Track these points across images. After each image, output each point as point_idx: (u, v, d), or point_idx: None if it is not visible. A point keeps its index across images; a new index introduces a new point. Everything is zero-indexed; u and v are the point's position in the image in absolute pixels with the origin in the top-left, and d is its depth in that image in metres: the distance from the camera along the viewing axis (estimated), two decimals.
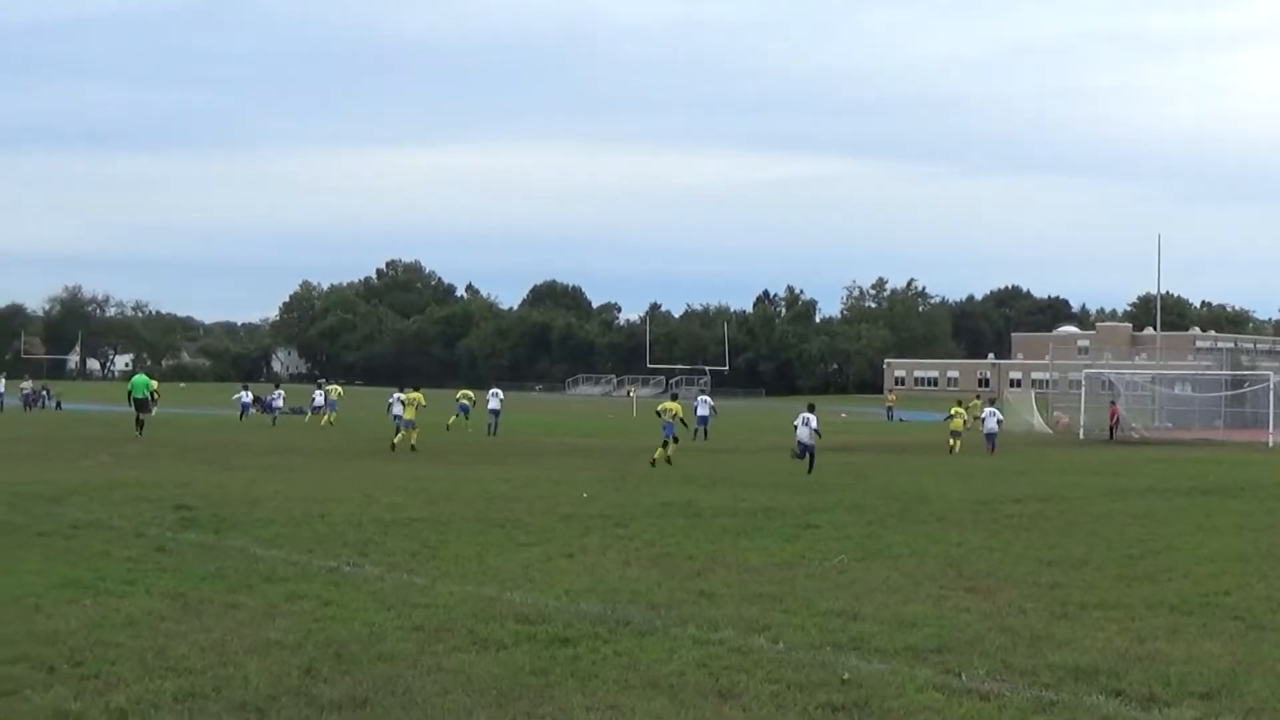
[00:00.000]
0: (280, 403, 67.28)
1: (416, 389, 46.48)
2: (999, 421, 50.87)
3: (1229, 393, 71.56)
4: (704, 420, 56.20)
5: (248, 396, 72.03)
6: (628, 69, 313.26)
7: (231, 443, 46.10)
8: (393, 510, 23.21)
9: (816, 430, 36.63)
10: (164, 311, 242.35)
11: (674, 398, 41.71)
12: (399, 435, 44.77)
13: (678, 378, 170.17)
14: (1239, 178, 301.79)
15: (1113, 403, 65.72)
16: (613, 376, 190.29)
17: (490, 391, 54.67)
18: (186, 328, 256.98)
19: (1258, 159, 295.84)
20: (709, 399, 59.67)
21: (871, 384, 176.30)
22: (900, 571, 17.02)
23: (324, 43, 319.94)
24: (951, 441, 48.15)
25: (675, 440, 38.92)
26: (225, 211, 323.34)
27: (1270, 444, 57.79)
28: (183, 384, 70.45)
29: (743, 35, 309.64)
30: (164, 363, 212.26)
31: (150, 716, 9.56)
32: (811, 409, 37.94)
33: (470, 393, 62.73)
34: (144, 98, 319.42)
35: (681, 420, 40.44)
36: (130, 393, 50.42)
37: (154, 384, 53.22)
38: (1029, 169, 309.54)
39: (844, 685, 10.72)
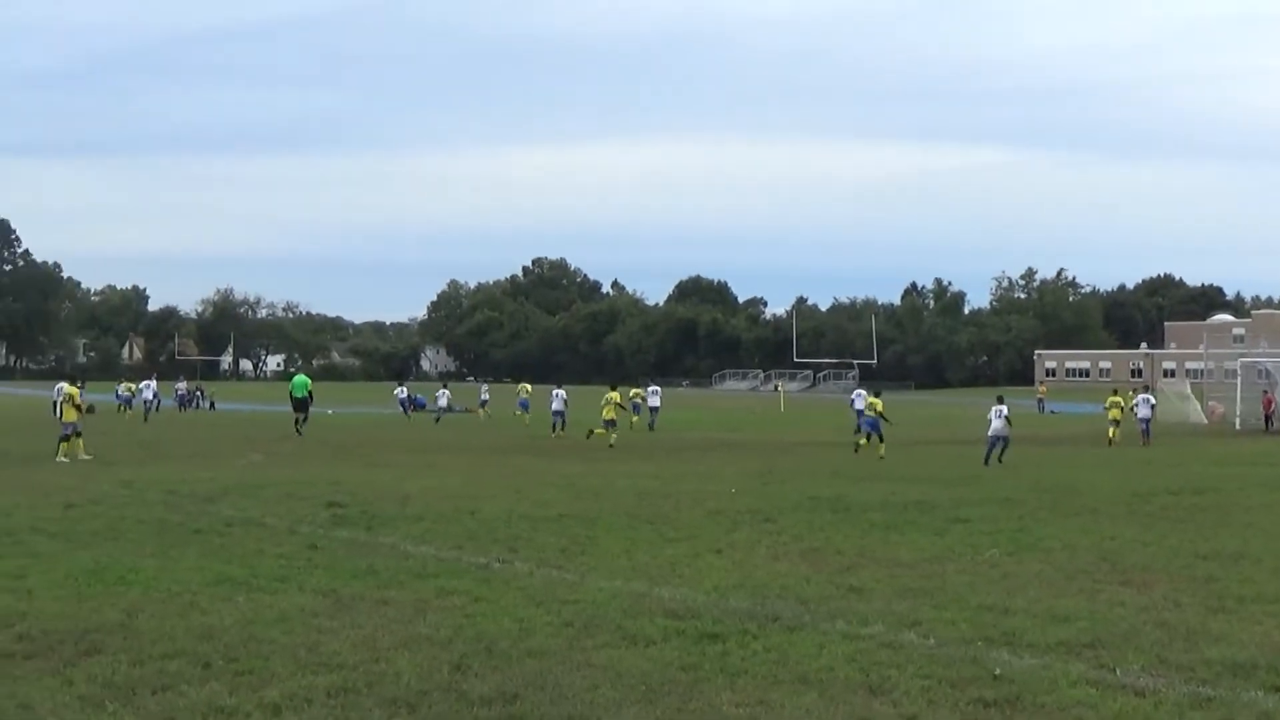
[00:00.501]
0: (445, 401, 67.58)
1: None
2: (1152, 407, 49.99)
3: None
4: (861, 413, 56.47)
5: (403, 393, 73.43)
6: (774, 62, 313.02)
7: (381, 440, 46.66)
8: (542, 506, 23.36)
9: (1009, 420, 37.53)
10: (314, 312, 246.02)
11: (877, 394, 43.42)
12: (556, 431, 48.65)
13: (824, 371, 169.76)
14: None
15: (1266, 392, 64.38)
16: (759, 371, 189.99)
17: (553, 392, 54.48)
18: (336, 328, 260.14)
19: None
20: (865, 393, 59.69)
21: (1021, 376, 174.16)
22: (1052, 565, 16.82)
23: (471, 41, 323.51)
24: (1111, 431, 47.62)
25: (880, 437, 40.16)
26: (374, 212, 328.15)
27: None
28: (330, 410, 71.23)
29: (887, 25, 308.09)
30: (314, 362, 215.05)
31: (303, 712, 9.70)
32: (1001, 400, 39.26)
33: (529, 386, 67.37)
34: (293, 100, 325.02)
35: (884, 416, 41.34)
36: (291, 393, 51.53)
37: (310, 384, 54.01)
38: (1180, 154, 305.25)
39: (996, 681, 10.61)
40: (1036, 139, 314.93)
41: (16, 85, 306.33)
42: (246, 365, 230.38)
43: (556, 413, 52.56)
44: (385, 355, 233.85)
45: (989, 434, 37.41)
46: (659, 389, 62.35)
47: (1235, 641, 12.12)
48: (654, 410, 59.22)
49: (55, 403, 34.26)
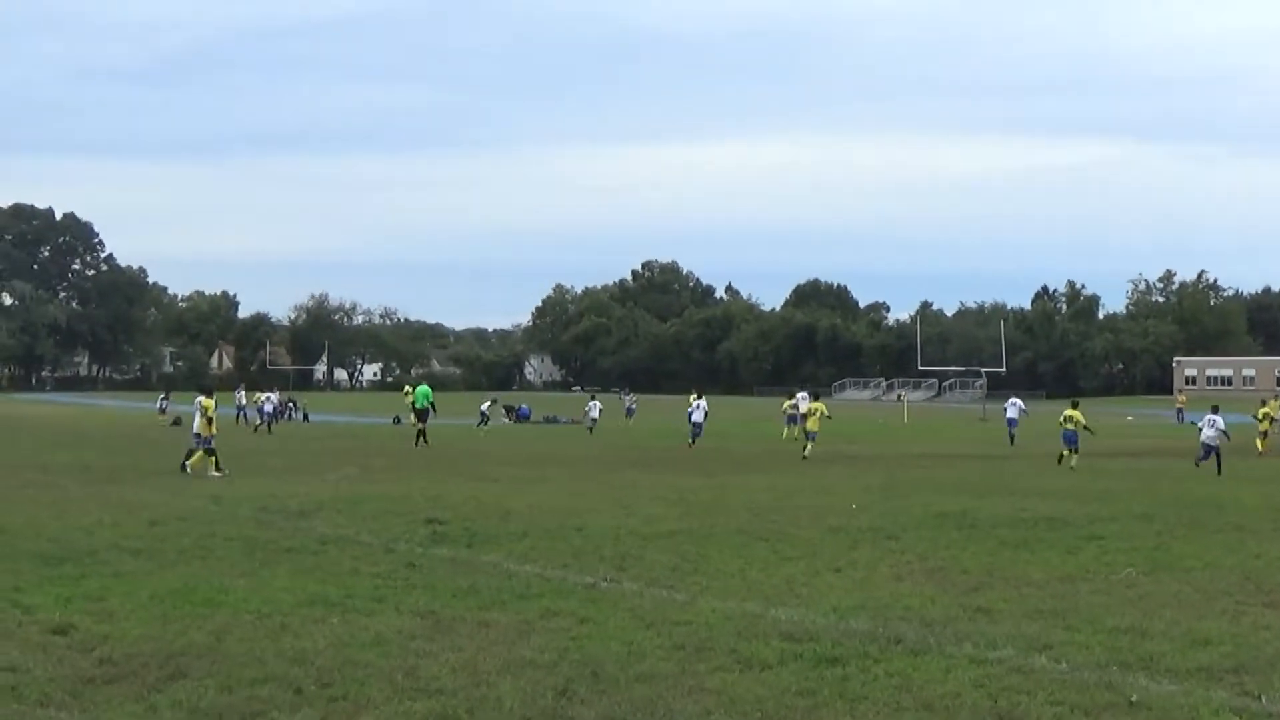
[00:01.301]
0: (596, 414, 67.62)
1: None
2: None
3: None
4: (1013, 423, 58.11)
5: (486, 405, 75.01)
6: (888, 55, 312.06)
7: (483, 453, 46.89)
8: (651, 522, 23.39)
9: (1224, 431, 38.72)
10: (412, 319, 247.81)
11: (1075, 405, 43.74)
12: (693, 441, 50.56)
13: (950, 380, 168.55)
14: None
15: None
16: (881, 380, 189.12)
17: (695, 403, 55.48)
18: (436, 335, 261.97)
19: None
20: (1019, 402, 60.20)
21: (1160, 384, 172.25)
22: (1192, 585, 16.64)
23: (578, 37, 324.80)
24: (1259, 443, 47.00)
25: (1076, 450, 41.12)
26: (475, 214, 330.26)
27: None
28: (397, 419, 72.21)
29: (1012, 16, 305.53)
30: (413, 371, 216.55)
31: None
32: (1216, 410, 40.35)
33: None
34: (391, 97, 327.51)
35: (1086, 427, 42.25)
36: (414, 403, 53.25)
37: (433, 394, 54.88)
38: None
39: (1132, 707, 10.52)
40: (1176, 131, 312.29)
41: (102, 81, 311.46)
42: (341, 375, 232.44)
43: (696, 424, 53.20)
44: (487, 364, 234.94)
45: (1201, 440, 39.50)
46: (599, 403, 68.88)
47: None
48: (593, 421, 65.01)
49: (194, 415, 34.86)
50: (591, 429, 64.74)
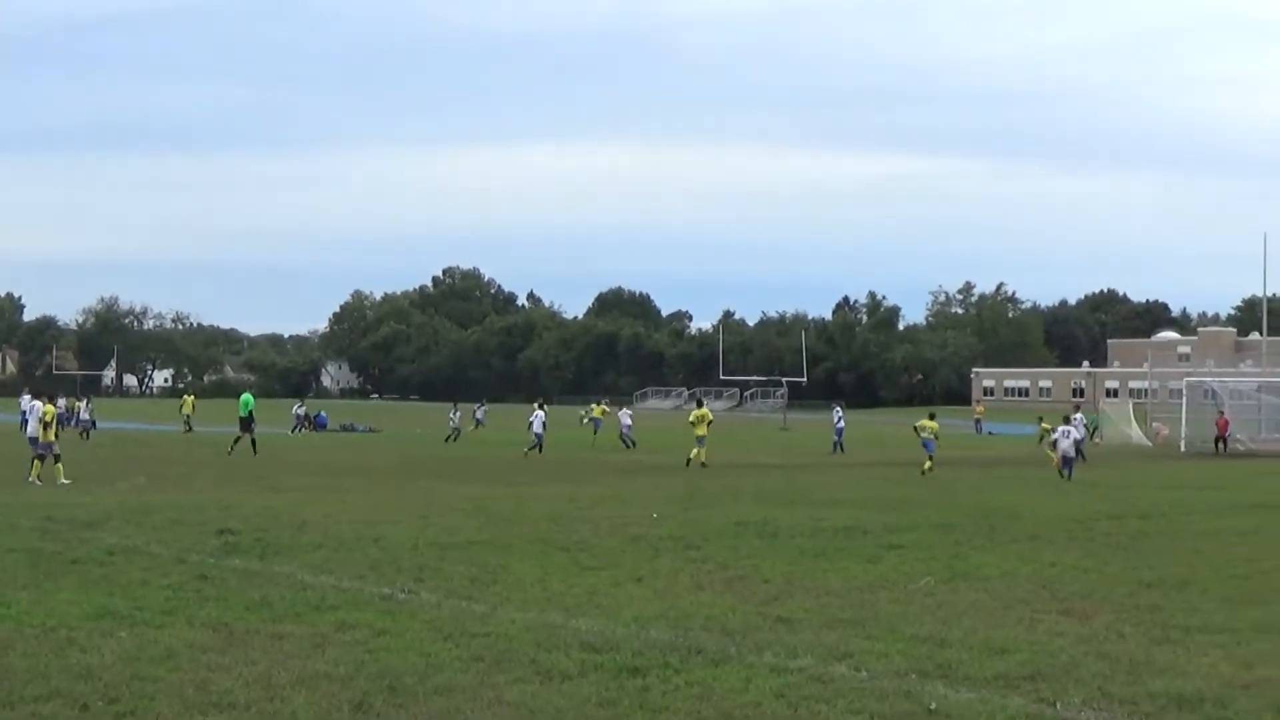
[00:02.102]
0: (456, 421, 67.85)
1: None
2: (1078, 439, 47.30)
3: None
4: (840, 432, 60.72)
5: (302, 410, 74.32)
6: (700, 64, 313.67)
7: (278, 462, 46.34)
8: (450, 533, 23.26)
9: (1079, 441, 40.75)
10: (206, 324, 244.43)
11: (932, 416, 46.05)
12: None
13: (751, 389, 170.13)
14: None
15: (1222, 413, 65.16)
16: (684, 389, 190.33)
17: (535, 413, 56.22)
18: (230, 340, 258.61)
19: None
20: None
21: (958, 394, 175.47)
22: (990, 594, 16.94)
23: (382, 37, 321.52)
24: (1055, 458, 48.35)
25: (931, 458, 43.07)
26: (273, 216, 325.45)
27: None
28: (188, 428, 71.29)
29: (822, 26, 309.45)
30: (206, 378, 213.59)
31: None
32: (1068, 420, 42.86)
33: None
34: (189, 95, 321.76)
35: (937, 435, 44.40)
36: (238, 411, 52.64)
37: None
38: (1124, 165, 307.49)
39: (931, 715, 10.68)
40: (975, 148, 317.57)
41: None
42: (131, 380, 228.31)
43: (537, 434, 53.39)
44: (283, 370, 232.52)
45: (1060, 451, 41.16)
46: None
47: (1180, 673, 12.23)
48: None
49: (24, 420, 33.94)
50: (451, 438, 64.44)
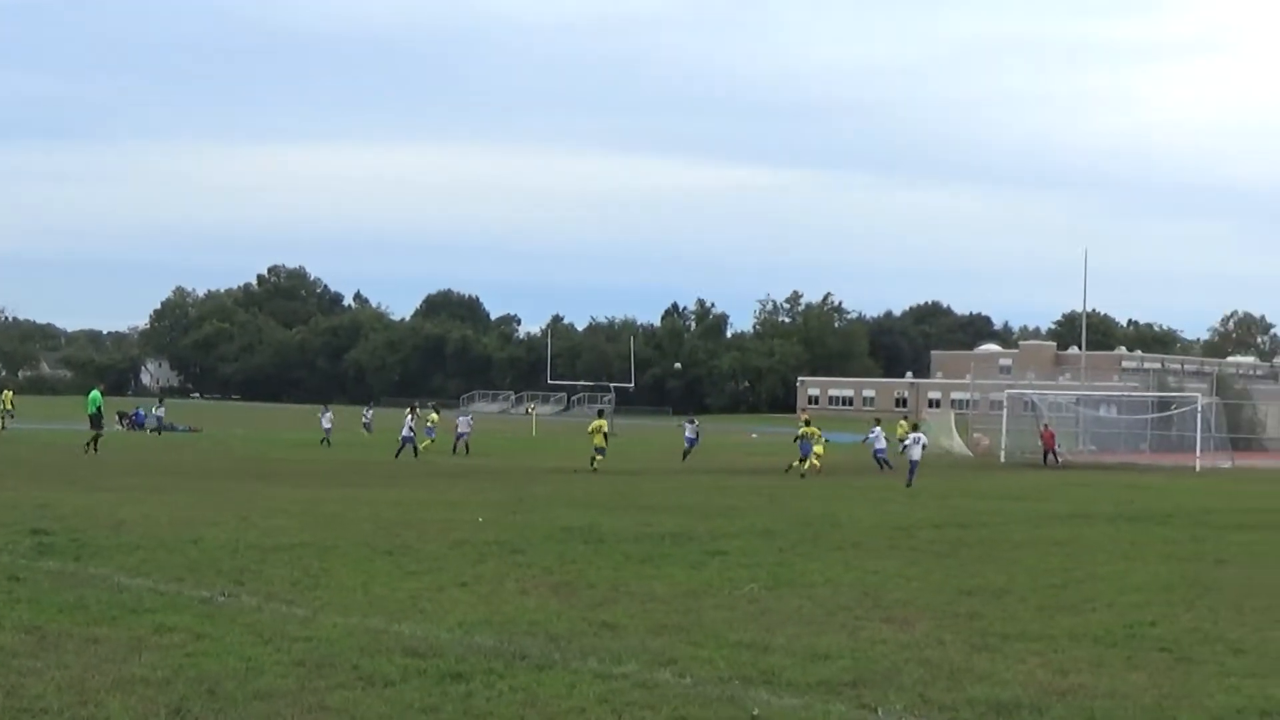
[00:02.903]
0: (328, 423, 66.15)
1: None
2: (923, 446, 47.11)
3: (1155, 415, 72.61)
4: (691, 442, 60.51)
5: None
6: (532, 68, 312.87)
7: (95, 461, 45.52)
8: (272, 535, 23.00)
9: (925, 446, 43.33)
10: (21, 318, 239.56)
11: (808, 423, 49.02)
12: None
13: (579, 394, 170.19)
14: (1169, 193, 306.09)
15: (1046, 426, 66.30)
16: (511, 393, 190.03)
17: (410, 416, 56.33)
18: (46, 336, 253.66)
19: (1188, 175, 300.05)
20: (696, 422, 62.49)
21: (784, 402, 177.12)
22: (813, 601, 17.06)
23: (204, 30, 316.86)
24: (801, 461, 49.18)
25: (804, 460, 46.09)
26: (93, 210, 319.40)
27: (1197, 468, 58.61)
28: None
29: (656, 35, 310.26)
30: (20, 374, 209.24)
31: None
32: (916, 427, 45.31)
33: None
34: (2, 85, 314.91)
35: (820, 437, 47.48)
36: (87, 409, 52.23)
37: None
38: (951, 180, 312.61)
39: None
40: (805, 158, 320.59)
41: None
42: None
43: (406, 439, 53.30)
44: (101, 367, 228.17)
45: (910, 460, 43.04)
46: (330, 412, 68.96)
47: (999, 680, 12.42)
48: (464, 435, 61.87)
49: None
50: (325, 441, 63.64)
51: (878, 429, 54.40)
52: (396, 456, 52.49)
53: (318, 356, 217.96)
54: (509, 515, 28.09)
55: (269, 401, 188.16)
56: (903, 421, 60.92)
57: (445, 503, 31.09)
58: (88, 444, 49.38)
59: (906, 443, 45.11)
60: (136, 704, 10.80)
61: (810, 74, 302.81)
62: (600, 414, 54.29)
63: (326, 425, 65.72)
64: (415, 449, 53.76)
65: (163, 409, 75.99)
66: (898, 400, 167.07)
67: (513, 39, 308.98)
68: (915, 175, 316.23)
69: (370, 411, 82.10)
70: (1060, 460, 63.20)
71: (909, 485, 40.85)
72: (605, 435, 49.39)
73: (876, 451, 52.67)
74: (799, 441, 46.28)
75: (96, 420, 50.80)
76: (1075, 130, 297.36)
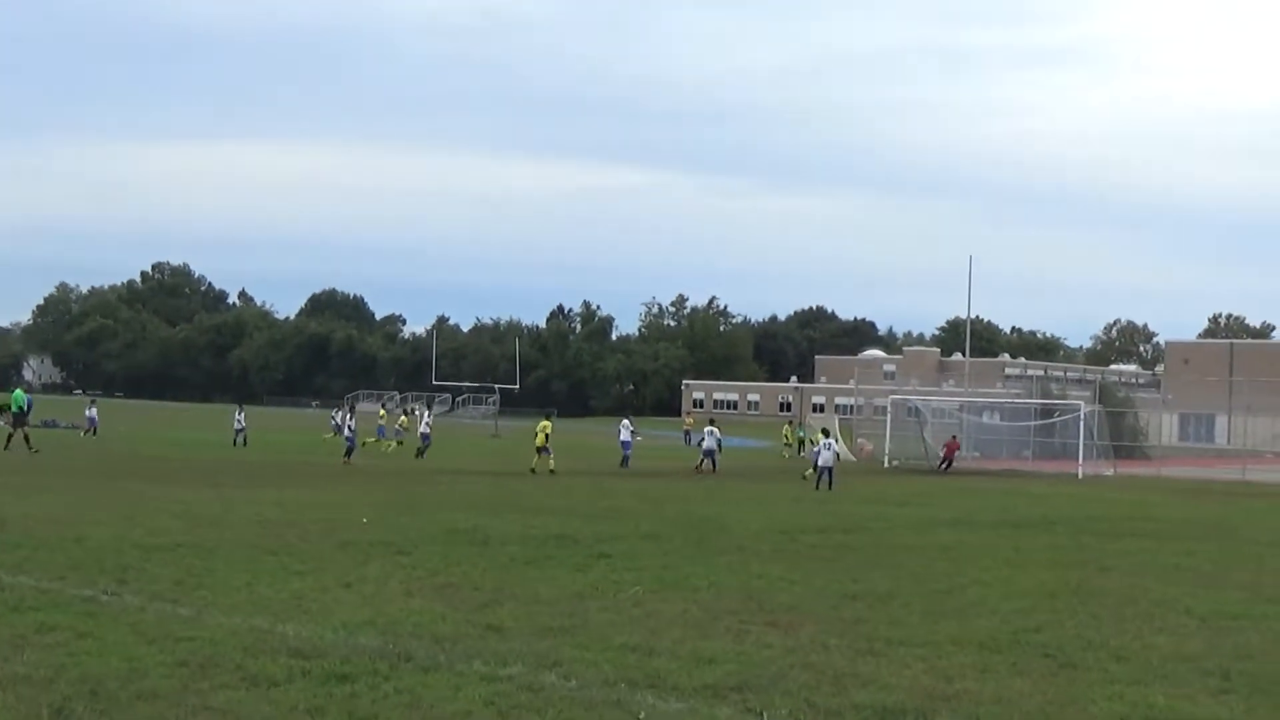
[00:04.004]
0: (241, 423, 64.81)
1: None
2: (836, 454, 47.80)
3: (1038, 422, 73.33)
4: (627, 445, 58.24)
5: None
6: (420, 68, 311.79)
7: None
8: (156, 534, 22.79)
9: (838, 453, 44.35)
10: None
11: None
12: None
13: (464, 395, 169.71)
14: (1052, 201, 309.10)
15: (955, 436, 66.59)
16: (395, 393, 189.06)
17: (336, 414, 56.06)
18: None
19: (1070, 183, 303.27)
20: (629, 424, 61.00)
21: (669, 405, 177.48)
22: (698, 604, 17.10)
23: (89, 23, 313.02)
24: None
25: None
26: None
27: (1080, 476, 59.22)
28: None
29: (542, 37, 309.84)
30: None
31: None
32: (827, 434, 45.78)
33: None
34: None
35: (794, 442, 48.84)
36: (9, 406, 51.93)
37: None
38: (836, 186, 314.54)
39: None
40: (693, 162, 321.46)
41: None
42: None
43: (348, 437, 52.29)
44: None
45: (820, 464, 43.82)
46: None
47: (884, 685, 12.51)
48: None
49: None
50: (239, 441, 62.60)
51: (829, 440, 53.24)
52: (348, 457, 51.22)
53: (202, 354, 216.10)
54: (394, 516, 27.97)
55: (153, 399, 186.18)
56: (788, 426, 61.42)
57: (330, 503, 30.91)
58: (19, 438, 49.12)
59: (818, 448, 45.80)
60: (18, 703, 10.69)
61: (696, 78, 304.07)
62: (547, 416, 53.21)
63: (239, 425, 64.57)
64: (351, 449, 52.53)
65: (94, 409, 72.91)
66: (782, 404, 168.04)
67: (399, 38, 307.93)
68: (800, 180, 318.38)
69: (341, 413, 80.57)
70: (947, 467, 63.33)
71: (818, 488, 41.61)
72: (547, 435, 49.15)
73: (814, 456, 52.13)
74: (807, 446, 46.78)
75: (20, 419, 50.49)
76: (960, 138, 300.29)
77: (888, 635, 15.19)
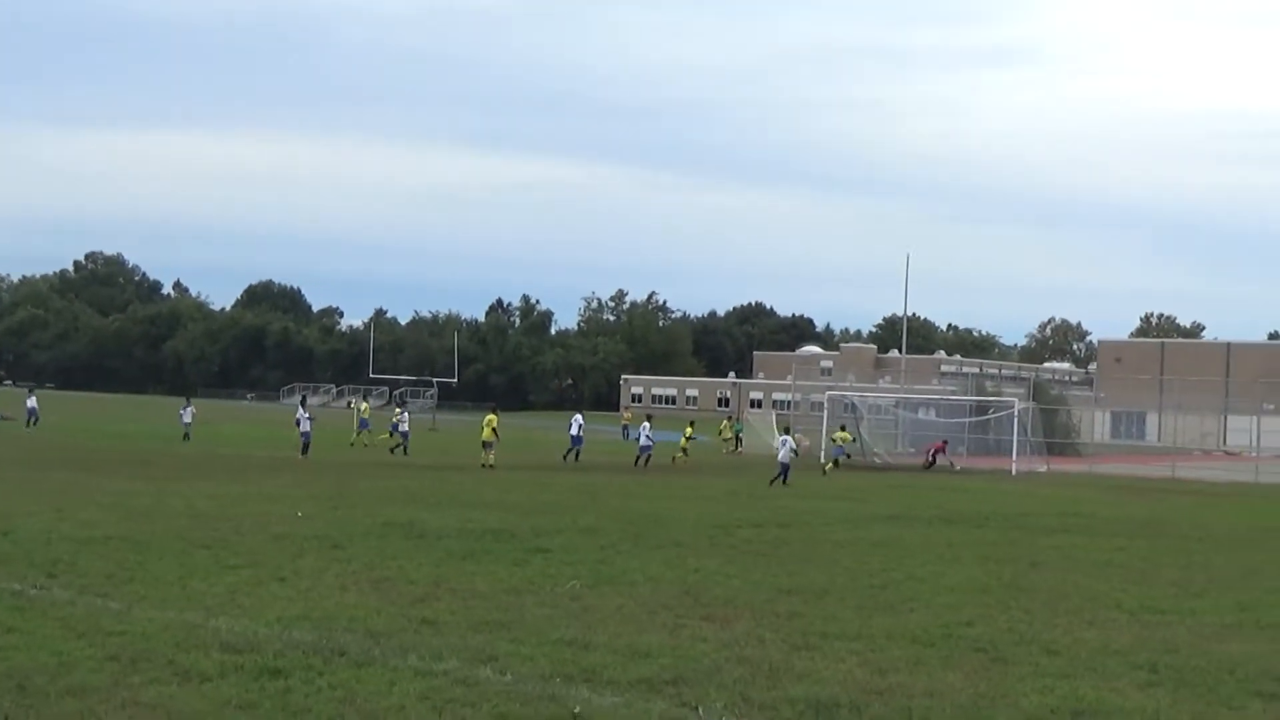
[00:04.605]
0: (189, 418, 63.47)
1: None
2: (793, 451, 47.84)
3: (973, 419, 73.70)
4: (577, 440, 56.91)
5: None
6: (360, 58, 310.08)
7: None
8: (86, 527, 22.65)
9: (795, 450, 45.25)
10: None
11: (692, 424, 52.25)
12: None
13: (402, 389, 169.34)
14: (987, 200, 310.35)
15: (945, 440, 66.70)
16: (332, 386, 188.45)
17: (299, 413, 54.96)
18: None
19: (1006, 183, 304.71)
20: (581, 419, 59.80)
21: (607, 400, 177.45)
22: (634, 599, 17.13)
23: (20, 7, 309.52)
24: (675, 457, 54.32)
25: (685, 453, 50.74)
26: None
27: (1014, 472, 59.58)
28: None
29: (486, 28, 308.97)
30: None
31: None
32: (788, 430, 47.99)
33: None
34: None
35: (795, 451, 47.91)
36: None
37: None
38: (775, 182, 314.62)
39: (575, 719, 10.74)
40: (632, 157, 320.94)
41: None
42: None
43: (305, 434, 51.21)
44: None
45: (779, 460, 44.48)
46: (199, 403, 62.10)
47: (818, 679, 12.55)
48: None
49: None
50: (186, 436, 61.75)
51: (785, 438, 52.81)
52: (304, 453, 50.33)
53: (135, 345, 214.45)
54: (330, 510, 27.88)
55: (85, 390, 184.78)
56: (726, 421, 61.54)
57: (262, 496, 30.76)
58: None
59: (775, 445, 47.29)
60: None
61: (636, 73, 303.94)
62: (494, 410, 52.95)
63: (187, 420, 63.64)
64: (306, 445, 51.43)
65: (34, 399, 71.58)
66: (720, 400, 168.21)
67: (337, 27, 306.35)
68: (739, 176, 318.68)
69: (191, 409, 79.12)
70: (936, 465, 63.06)
71: (773, 483, 42.39)
72: (495, 430, 49.22)
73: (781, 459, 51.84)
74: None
75: None
76: (898, 136, 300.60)
77: (822, 629, 15.26)
